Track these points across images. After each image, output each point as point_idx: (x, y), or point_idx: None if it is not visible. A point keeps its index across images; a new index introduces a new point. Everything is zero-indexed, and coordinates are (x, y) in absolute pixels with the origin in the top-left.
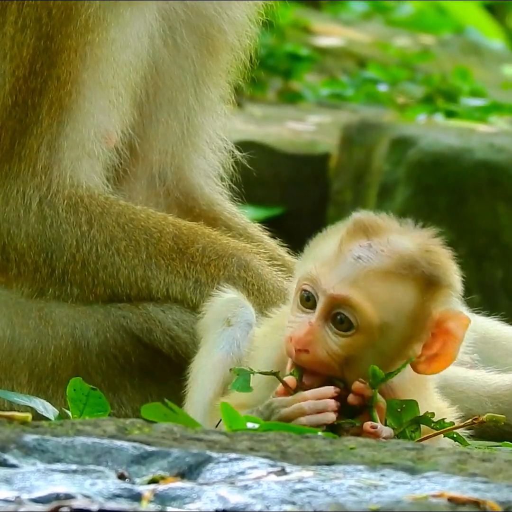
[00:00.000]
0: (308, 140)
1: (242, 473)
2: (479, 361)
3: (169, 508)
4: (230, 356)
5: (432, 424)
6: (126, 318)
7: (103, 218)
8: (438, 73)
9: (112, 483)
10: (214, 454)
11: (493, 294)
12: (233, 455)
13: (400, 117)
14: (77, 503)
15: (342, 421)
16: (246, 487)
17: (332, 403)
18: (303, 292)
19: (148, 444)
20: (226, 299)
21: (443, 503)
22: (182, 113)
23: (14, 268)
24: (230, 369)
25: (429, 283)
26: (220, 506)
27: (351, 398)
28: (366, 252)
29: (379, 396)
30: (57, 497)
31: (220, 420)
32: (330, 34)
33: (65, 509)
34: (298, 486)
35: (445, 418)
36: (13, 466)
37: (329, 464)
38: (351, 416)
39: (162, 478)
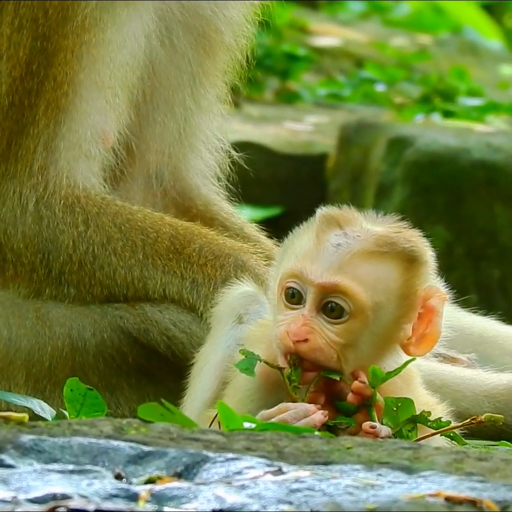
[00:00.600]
0: (306, 140)
1: (239, 473)
2: (476, 361)
3: (166, 508)
4: (235, 355)
5: (429, 423)
6: (123, 319)
7: (99, 219)
8: (435, 73)
9: (108, 483)
10: (211, 454)
11: (490, 293)
12: (230, 455)
13: (398, 117)
14: (74, 503)
15: (338, 420)
16: (243, 487)
17: (312, 408)
18: (288, 289)
19: (145, 444)
20: (242, 292)
21: (440, 503)
22: (179, 113)
23: (11, 269)
24: (239, 351)
25: (410, 259)
26: (217, 506)
27: (350, 397)
28: (344, 239)
29: (378, 395)
30: (54, 497)
31: (216, 414)
32: (327, 34)
33: (62, 509)
34: (295, 485)
35: (441, 417)
36: (9, 466)
37: (326, 463)
38: (347, 413)
39: (159, 478)
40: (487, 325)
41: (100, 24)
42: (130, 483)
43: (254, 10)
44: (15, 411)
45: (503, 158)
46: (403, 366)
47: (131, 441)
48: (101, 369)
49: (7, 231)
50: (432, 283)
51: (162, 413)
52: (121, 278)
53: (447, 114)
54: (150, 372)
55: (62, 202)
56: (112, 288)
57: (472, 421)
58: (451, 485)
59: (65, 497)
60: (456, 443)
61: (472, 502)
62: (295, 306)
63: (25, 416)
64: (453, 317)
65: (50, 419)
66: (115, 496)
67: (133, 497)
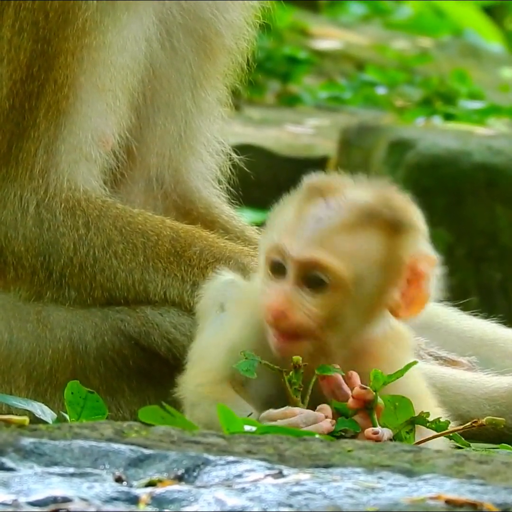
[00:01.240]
0: (307, 143)
1: (239, 476)
2: (477, 363)
3: (166, 511)
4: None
5: (427, 424)
6: (123, 321)
7: (100, 221)
8: (436, 75)
9: (109, 486)
10: (212, 457)
11: (491, 296)
12: (231, 458)
13: (399, 119)
14: (75, 506)
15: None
16: (243, 490)
17: (321, 416)
18: (271, 262)
19: (146, 447)
20: (220, 282)
21: (441, 505)
22: (180, 116)
23: (12, 271)
24: (240, 352)
25: (393, 228)
26: (218, 509)
27: (351, 403)
28: (325, 211)
29: (379, 399)
30: (54, 500)
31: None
32: (328, 37)
33: None
34: (296, 488)
35: (440, 418)
36: (10, 469)
37: (326, 466)
38: (345, 414)
39: (160, 481)
40: (488, 328)
41: (101, 27)
42: (131, 486)
43: (255, 13)
44: (16, 414)
45: (503, 160)
46: (405, 369)
47: (132, 444)
48: (102, 372)
49: (8, 234)
50: (420, 248)
51: (163, 416)
52: (122, 281)
53: (448, 117)
54: (151, 375)
55: (62, 205)
56: (113, 291)
57: (473, 424)
58: (451, 488)
59: (65, 500)
60: (455, 442)
61: (473, 505)
62: (280, 278)
63: (25, 419)
64: (454, 320)
65: (50, 422)
66: (116, 499)
67: (134, 500)
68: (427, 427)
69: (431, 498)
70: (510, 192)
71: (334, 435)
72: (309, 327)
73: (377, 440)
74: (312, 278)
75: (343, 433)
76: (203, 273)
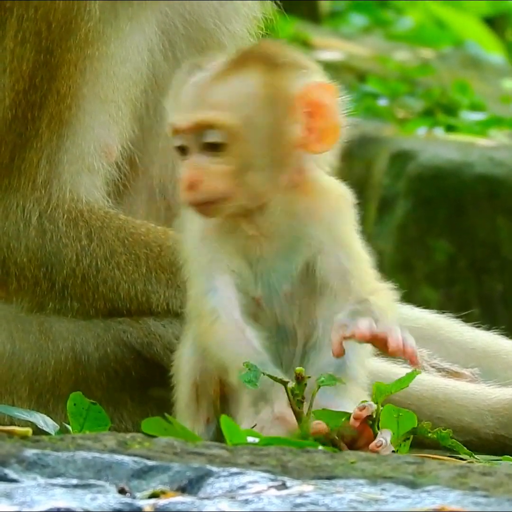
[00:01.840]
0: None
1: (242, 487)
2: (479, 375)
3: None
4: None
5: (429, 434)
6: (126, 333)
7: (103, 232)
8: (438, 87)
9: (112, 498)
10: (215, 468)
11: (493, 307)
12: (234, 469)
13: (400, 131)
14: None
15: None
16: (246, 502)
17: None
18: (175, 147)
19: (149, 458)
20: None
21: None
22: None
23: (14, 282)
24: (243, 363)
25: (267, 64)
26: None
27: (352, 422)
28: (201, 74)
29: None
30: (57, 511)
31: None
32: (329, 48)
33: None
34: (299, 500)
35: (441, 428)
36: (13, 480)
37: (329, 478)
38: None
39: (163, 492)
40: (490, 340)
41: (104, 38)
42: (134, 498)
43: (257, 24)
44: (19, 426)
45: (505, 172)
46: (407, 379)
47: (135, 455)
48: (105, 383)
49: (10, 244)
50: (310, 79)
51: (166, 428)
52: (125, 292)
53: (450, 128)
54: (153, 386)
55: (65, 215)
56: (116, 302)
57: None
58: (455, 500)
59: (68, 511)
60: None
61: None
62: (185, 157)
63: (28, 430)
64: (456, 331)
65: (53, 433)
66: (119, 510)
67: None
68: (429, 437)
69: (435, 510)
70: None
71: (332, 441)
72: (222, 190)
73: (383, 452)
74: (208, 143)
75: (342, 439)
76: None
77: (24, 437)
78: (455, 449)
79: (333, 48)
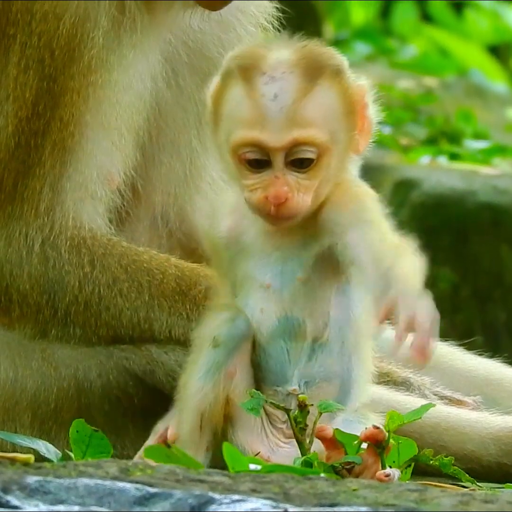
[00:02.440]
0: None
1: None
2: (482, 403)
3: None
4: (210, 385)
5: (431, 462)
6: (129, 360)
7: (105, 259)
8: (441, 115)
9: None
10: (217, 496)
11: (496, 335)
12: (236, 497)
13: (404, 159)
14: None
15: (345, 460)
16: None
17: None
18: (247, 159)
19: (151, 485)
20: (217, 316)
21: None
22: (185, 154)
23: (17, 309)
24: (247, 391)
25: (336, 72)
26: None
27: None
28: (274, 85)
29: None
30: None
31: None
32: None
33: None
34: None
35: (443, 455)
36: (15, 507)
37: (331, 505)
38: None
39: None
40: (493, 368)
41: (107, 65)
42: None
43: None
44: (21, 452)
45: (509, 200)
46: (422, 410)
47: (137, 482)
48: (107, 411)
49: (13, 271)
50: (354, 81)
51: (168, 455)
52: (127, 319)
53: (453, 156)
54: (156, 414)
55: (68, 243)
56: (118, 329)
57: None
58: None
59: None
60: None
61: None
62: (261, 170)
63: (30, 457)
64: (459, 359)
65: (55, 460)
66: None
67: None
68: (430, 464)
69: None
70: None
71: (334, 468)
72: (308, 206)
73: (389, 481)
74: (299, 158)
75: (345, 466)
76: None
77: (26, 464)
78: (457, 476)
79: None
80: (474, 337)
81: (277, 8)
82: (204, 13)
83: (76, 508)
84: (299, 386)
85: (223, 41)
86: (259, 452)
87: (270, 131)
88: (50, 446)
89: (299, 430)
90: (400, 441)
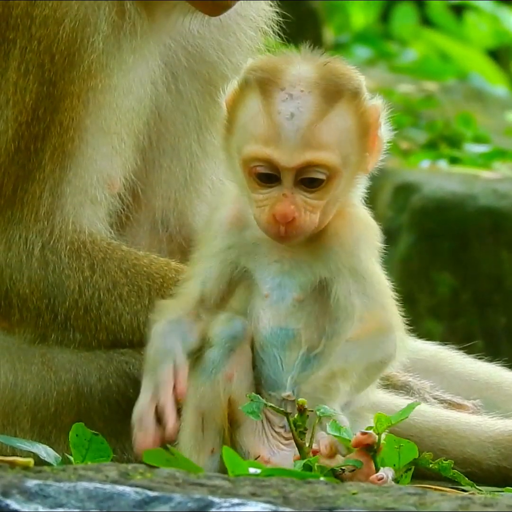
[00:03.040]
0: None
1: None
2: (482, 407)
3: None
4: (208, 382)
5: (431, 465)
6: (128, 364)
7: (105, 264)
8: (441, 119)
9: None
10: (216, 499)
11: (496, 340)
12: (235, 500)
13: (404, 163)
14: None
15: (345, 464)
16: None
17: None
18: (257, 173)
19: (151, 489)
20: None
21: None
22: (185, 159)
23: (17, 314)
24: (246, 395)
25: (353, 95)
26: None
27: (353, 444)
28: (292, 104)
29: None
30: None
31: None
32: None
33: None
34: None
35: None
36: (15, 511)
37: (331, 509)
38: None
39: None
40: (493, 372)
41: (107, 70)
42: None
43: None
44: (21, 456)
45: (509, 204)
46: (408, 410)
47: (137, 486)
48: (107, 415)
49: (13, 276)
50: (368, 101)
51: (167, 458)
52: (127, 323)
53: (453, 160)
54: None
55: (68, 247)
56: (118, 333)
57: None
58: None
59: None
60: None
61: None
62: (270, 185)
63: (30, 461)
64: (459, 363)
65: (55, 464)
66: None
67: None
68: (430, 468)
69: None
70: None
71: (334, 472)
72: (314, 225)
73: (383, 483)
74: (308, 178)
75: (346, 469)
76: None
77: (26, 467)
78: (456, 479)
79: None
80: (474, 341)
81: (277, 12)
82: (204, 18)
83: (76, 511)
84: (293, 392)
85: (222, 45)
86: (260, 456)
87: (283, 150)
88: (50, 449)
89: (298, 434)
90: (401, 444)
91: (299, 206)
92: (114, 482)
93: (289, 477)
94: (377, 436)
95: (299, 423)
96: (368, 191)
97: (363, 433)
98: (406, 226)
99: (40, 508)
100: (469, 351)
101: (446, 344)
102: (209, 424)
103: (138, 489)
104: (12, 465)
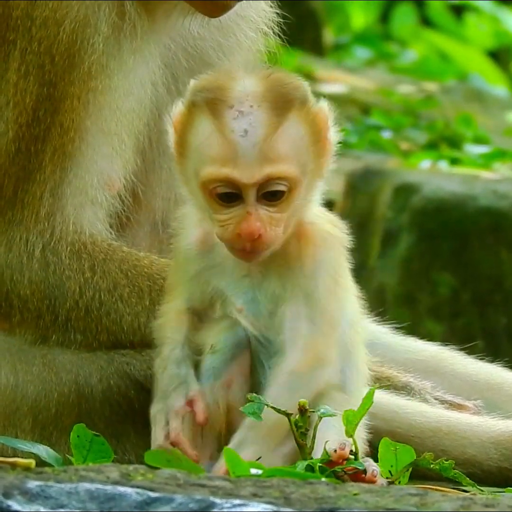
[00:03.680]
0: None
1: None
2: (482, 407)
3: None
4: (207, 388)
5: (431, 466)
6: (129, 365)
7: (106, 265)
8: (441, 119)
9: None
10: (218, 500)
11: (496, 340)
12: (237, 501)
13: (404, 163)
14: None
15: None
16: None
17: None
18: (218, 194)
19: (152, 490)
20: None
21: None
22: None
23: (18, 315)
24: (247, 396)
25: (303, 103)
26: None
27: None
28: (244, 121)
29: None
30: None
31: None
32: (333, 81)
33: None
34: None
35: (443, 459)
36: None
37: (332, 510)
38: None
39: None
40: (494, 372)
41: (107, 71)
42: None
43: (261, 57)
44: (22, 457)
45: (509, 205)
46: (368, 397)
47: (138, 487)
48: (108, 416)
49: (14, 277)
50: (316, 106)
51: (169, 459)
52: (128, 324)
53: (453, 161)
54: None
55: (68, 248)
56: (119, 334)
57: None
58: None
59: None
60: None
61: None
62: (232, 204)
63: (31, 462)
64: (460, 364)
65: (56, 465)
66: None
67: None
68: (431, 469)
69: None
70: None
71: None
72: (280, 239)
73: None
74: (270, 192)
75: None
76: None
77: (27, 468)
78: (457, 480)
79: (337, 81)
80: (475, 341)
81: (277, 13)
82: (204, 19)
83: None
84: None
85: (222, 46)
86: (260, 457)
87: (242, 168)
88: (51, 451)
89: (299, 435)
90: (397, 447)
91: (264, 222)
92: (116, 483)
93: (290, 478)
94: (350, 441)
95: (300, 424)
96: (368, 191)
97: (340, 447)
98: (406, 226)
99: (42, 509)
100: (469, 351)
101: (446, 344)
102: (208, 430)
103: (139, 490)
104: (13, 466)
